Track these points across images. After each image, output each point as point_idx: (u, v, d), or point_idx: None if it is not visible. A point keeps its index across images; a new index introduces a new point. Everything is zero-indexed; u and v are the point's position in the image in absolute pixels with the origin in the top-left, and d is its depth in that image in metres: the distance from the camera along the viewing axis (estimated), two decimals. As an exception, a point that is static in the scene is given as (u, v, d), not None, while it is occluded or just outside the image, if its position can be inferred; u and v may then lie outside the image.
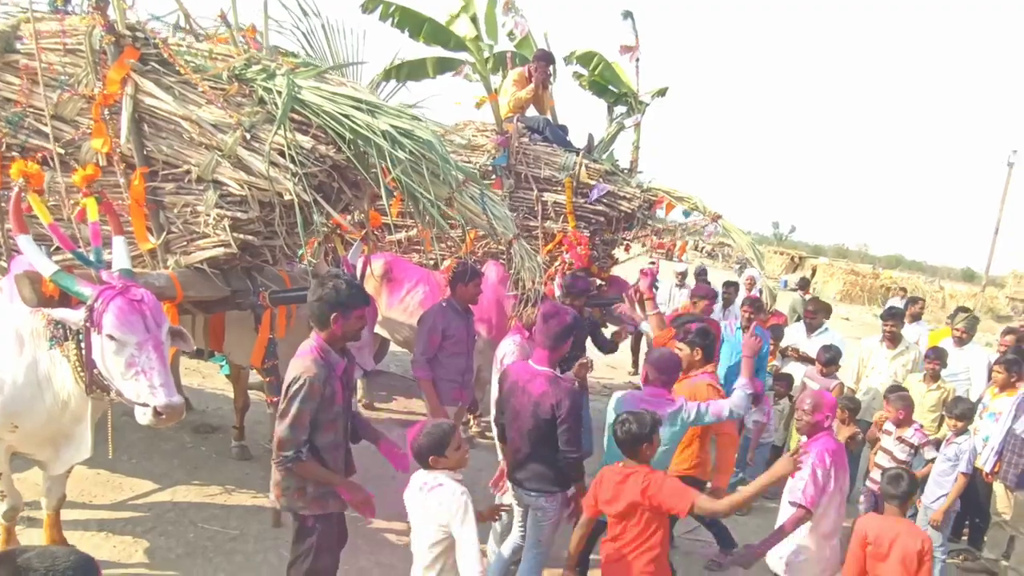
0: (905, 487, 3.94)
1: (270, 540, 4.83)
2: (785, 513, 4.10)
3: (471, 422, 7.29)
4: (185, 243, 4.29)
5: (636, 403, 4.14)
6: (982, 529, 6.26)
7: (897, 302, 13.76)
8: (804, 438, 4.32)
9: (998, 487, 5.81)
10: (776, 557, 4.09)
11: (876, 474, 5.73)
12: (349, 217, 5.25)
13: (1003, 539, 5.92)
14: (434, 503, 3.23)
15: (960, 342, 7.12)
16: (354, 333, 3.59)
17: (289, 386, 3.39)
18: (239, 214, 4.11)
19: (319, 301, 3.46)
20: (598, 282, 7.10)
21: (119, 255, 3.71)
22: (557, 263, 6.44)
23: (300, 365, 3.43)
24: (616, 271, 7.81)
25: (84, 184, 3.75)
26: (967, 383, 6.94)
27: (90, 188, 3.78)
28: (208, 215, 4.12)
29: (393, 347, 8.17)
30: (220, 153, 4.01)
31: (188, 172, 4.11)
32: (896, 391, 5.98)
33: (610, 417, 4.44)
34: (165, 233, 4.25)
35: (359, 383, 7.14)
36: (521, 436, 4.09)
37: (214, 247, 4.22)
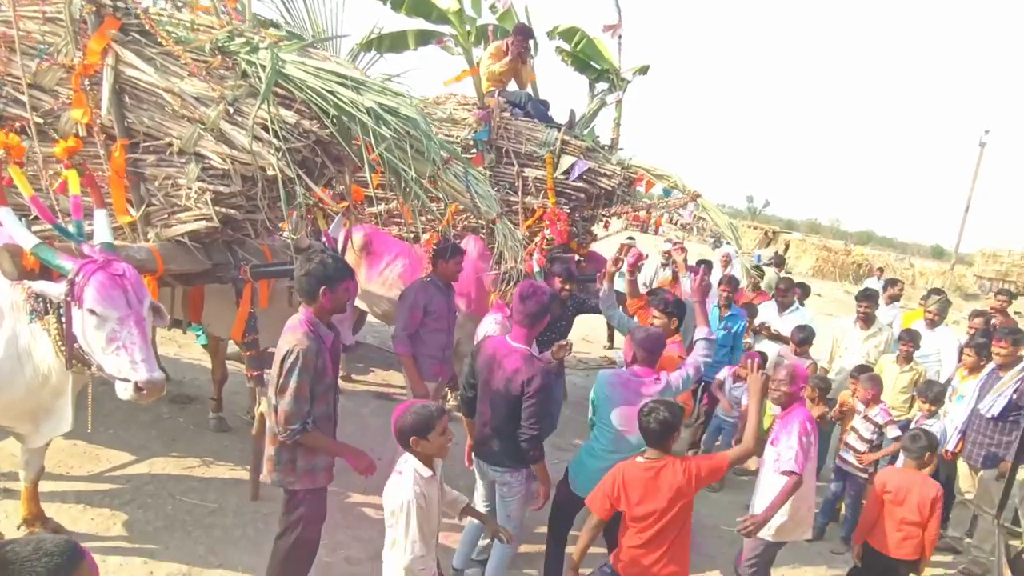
0: (923, 443, 4.55)
1: (249, 514, 4.85)
2: (767, 483, 4.32)
3: (448, 396, 7.34)
4: (166, 216, 4.26)
5: (623, 383, 4.19)
6: (947, 508, 6.37)
7: (873, 283, 13.88)
8: (778, 409, 4.53)
9: (962, 466, 5.93)
10: None
11: (845, 452, 5.92)
12: (331, 191, 5.23)
13: (966, 517, 6.05)
14: (389, 491, 3.23)
15: (932, 324, 7.25)
16: (341, 305, 3.64)
17: (283, 360, 3.41)
18: (221, 188, 4.09)
19: (307, 276, 3.48)
20: (577, 258, 7.14)
21: (100, 228, 3.68)
22: (537, 239, 6.46)
23: (292, 338, 3.44)
24: (594, 247, 7.85)
25: (65, 156, 3.70)
26: (938, 364, 7.08)
27: (71, 160, 3.73)
28: (190, 188, 4.09)
29: (371, 319, 8.17)
30: (203, 126, 3.98)
31: (170, 145, 4.07)
32: (863, 372, 6.11)
33: (597, 399, 4.44)
34: (145, 206, 4.21)
35: (338, 356, 7.15)
36: (490, 410, 4.12)
37: (195, 220, 4.20)
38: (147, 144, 4.11)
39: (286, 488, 3.65)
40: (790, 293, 7.85)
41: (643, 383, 4.14)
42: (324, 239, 5.49)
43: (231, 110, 3.99)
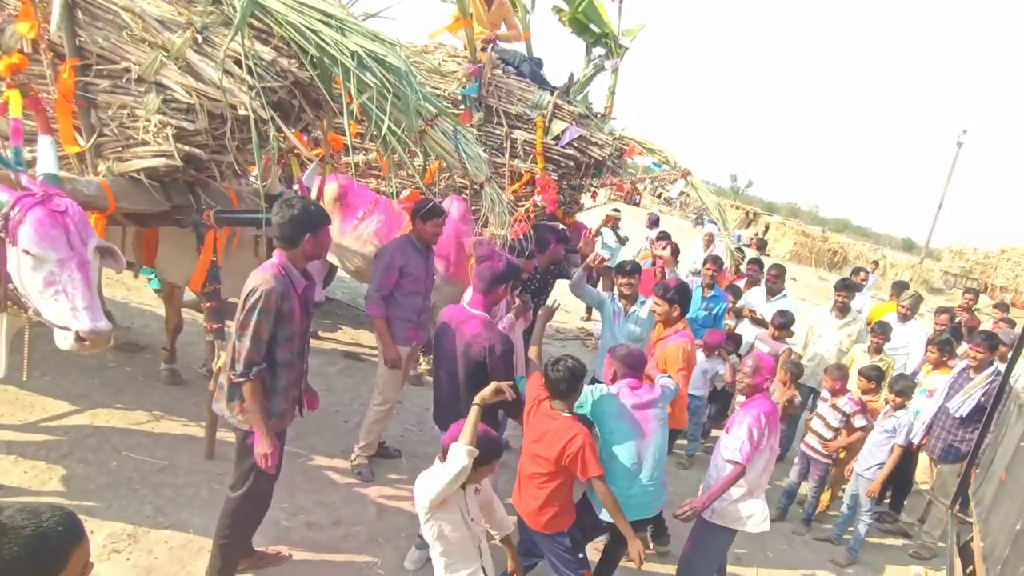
0: None
1: (202, 473, 4.56)
2: (716, 467, 4.22)
3: (421, 360, 7.09)
4: (120, 149, 3.90)
5: (629, 416, 3.92)
6: (902, 495, 6.55)
7: (870, 278, 13.94)
8: (742, 398, 4.40)
9: (922, 458, 6.13)
10: None
11: (810, 438, 6.01)
12: (307, 137, 4.86)
13: (920, 505, 6.26)
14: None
15: (904, 318, 7.47)
16: (322, 250, 3.53)
17: (247, 297, 3.25)
18: (185, 123, 3.74)
19: (291, 222, 3.30)
20: (561, 227, 6.86)
21: (44, 158, 3.35)
22: (527, 205, 6.15)
23: (259, 277, 3.29)
24: (579, 217, 7.57)
25: (8, 74, 3.32)
26: (906, 357, 7.26)
27: (14, 79, 3.34)
28: (148, 121, 3.73)
29: (340, 273, 7.84)
30: (166, 53, 3.60)
31: (127, 71, 3.70)
32: (841, 368, 6.12)
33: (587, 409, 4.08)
34: (96, 135, 3.84)
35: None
36: (449, 378, 4.03)
37: (154, 157, 3.85)
38: (101, 67, 3.73)
39: (238, 429, 3.46)
40: (780, 280, 7.72)
41: (643, 400, 3.95)
42: (297, 187, 5.14)
43: (200, 39, 3.64)
